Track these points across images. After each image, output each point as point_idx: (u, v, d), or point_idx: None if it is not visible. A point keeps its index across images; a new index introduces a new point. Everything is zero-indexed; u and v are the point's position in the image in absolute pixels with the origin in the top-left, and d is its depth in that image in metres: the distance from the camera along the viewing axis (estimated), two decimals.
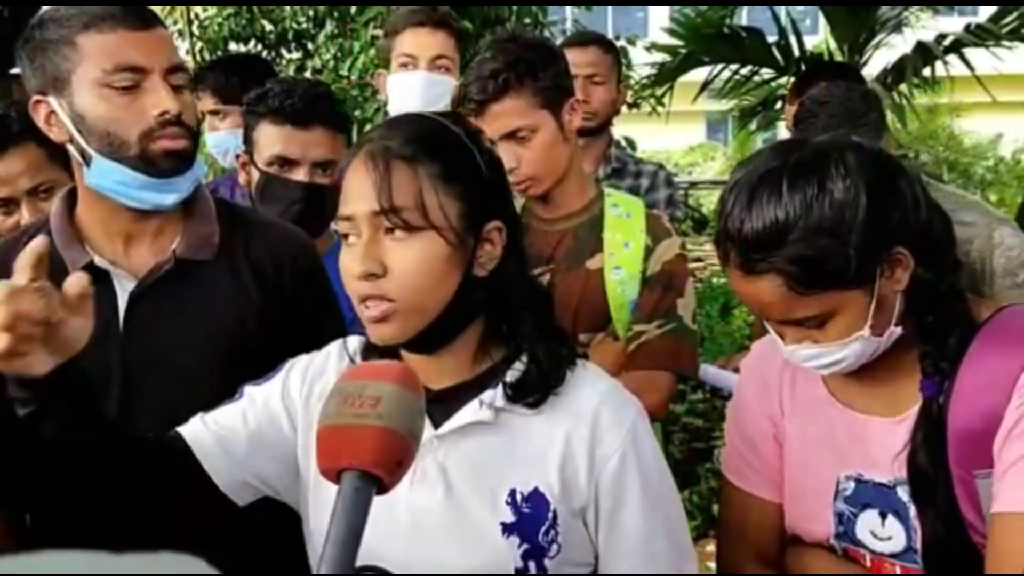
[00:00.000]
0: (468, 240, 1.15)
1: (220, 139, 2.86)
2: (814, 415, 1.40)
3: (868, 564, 1.36)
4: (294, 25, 7.05)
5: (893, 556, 1.33)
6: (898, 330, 1.27)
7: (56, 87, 1.45)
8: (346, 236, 1.16)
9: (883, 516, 1.33)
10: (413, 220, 1.11)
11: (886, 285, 1.23)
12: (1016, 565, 1.17)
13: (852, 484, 1.35)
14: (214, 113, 2.86)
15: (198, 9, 7.32)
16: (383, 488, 0.90)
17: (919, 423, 1.27)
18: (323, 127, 2.00)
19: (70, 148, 1.50)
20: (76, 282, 1.13)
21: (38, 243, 1.10)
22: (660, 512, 1.21)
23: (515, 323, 1.20)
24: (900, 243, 1.22)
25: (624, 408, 1.21)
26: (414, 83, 2.57)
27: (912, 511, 1.29)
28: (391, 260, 1.12)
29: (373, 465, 0.89)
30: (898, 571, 1.33)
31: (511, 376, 1.18)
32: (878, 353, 1.28)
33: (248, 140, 2.06)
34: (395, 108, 2.53)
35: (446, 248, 1.13)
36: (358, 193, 1.13)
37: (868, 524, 1.34)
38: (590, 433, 1.18)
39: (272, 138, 2.00)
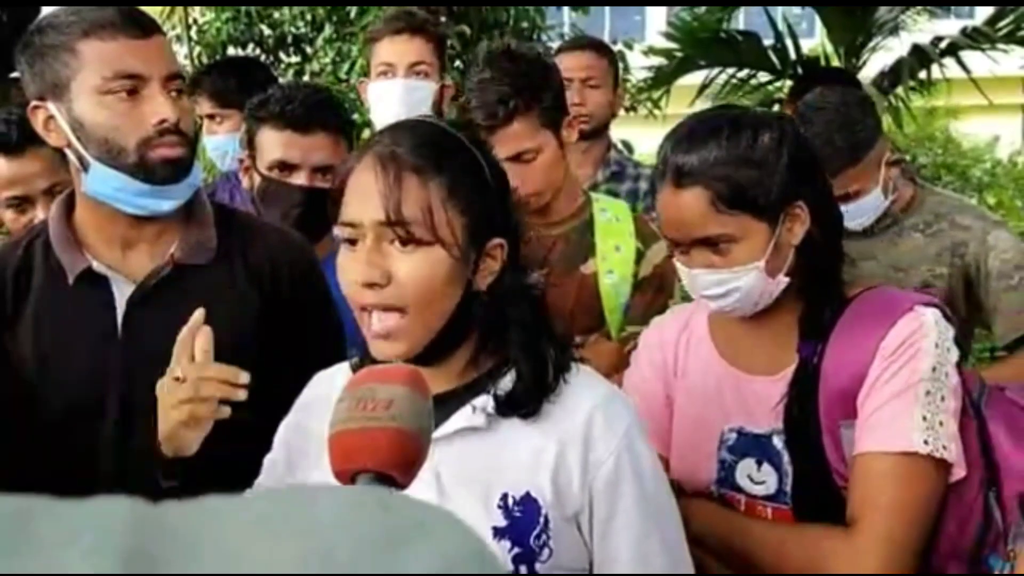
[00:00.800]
0: (471, 255, 1.15)
1: (219, 142, 2.87)
2: (704, 374, 1.56)
3: (743, 508, 1.52)
4: (292, 29, 7.06)
5: (765, 499, 1.50)
6: (786, 280, 1.45)
7: (55, 93, 1.46)
8: (350, 241, 1.14)
9: (759, 463, 1.50)
10: (420, 234, 1.11)
11: (785, 234, 1.43)
12: (876, 495, 1.36)
13: (734, 435, 1.52)
14: (211, 117, 2.87)
15: (196, 13, 7.32)
16: (399, 488, 0.89)
17: (795, 379, 1.45)
18: (324, 132, 2.01)
19: (68, 153, 1.51)
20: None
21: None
22: (655, 518, 1.20)
23: (503, 338, 1.20)
24: (804, 203, 1.43)
25: (619, 413, 1.20)
26: (393, 91, 2.57)
27: (785, 458, 1.47)
28: (396, 270, 1.11)
29: (390, 466, 0.88)
30: (769, 511, 1.50)
31: (500, 389, 1.18)
32: (764, 301, 1.45)
33: (250, 144, 2.08)
34: (377, 116, 2.53)
35: (449, 262, 1.12)
36: (365, 200, 1.12)
37: (746, 470, 1.51)
38: (583, 438, 1.17)
39: (273, 143, 2.01)
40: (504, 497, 1.16)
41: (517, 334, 1.19)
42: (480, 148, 1.20)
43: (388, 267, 1.11)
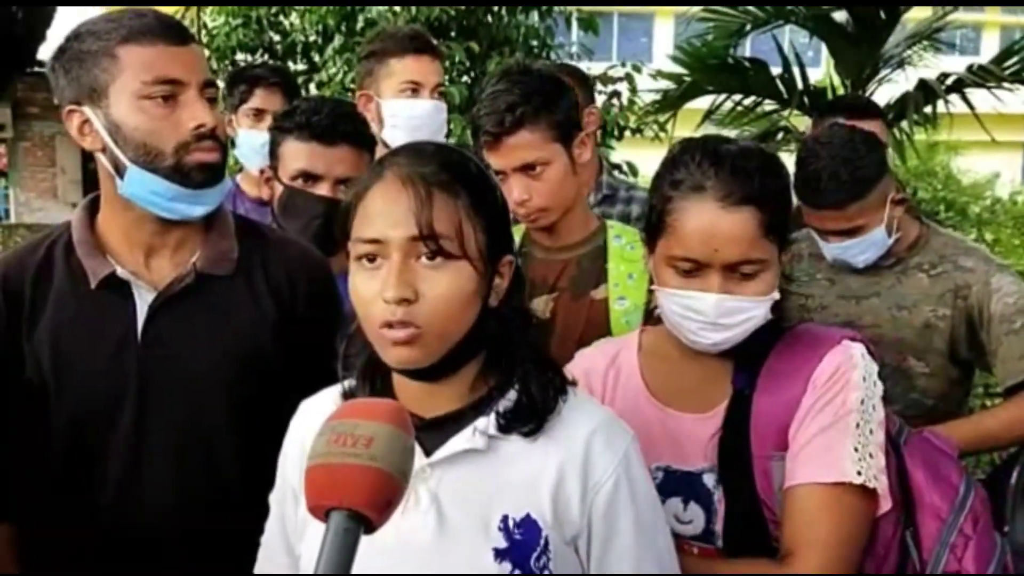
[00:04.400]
0: (489, 271, 1.17)
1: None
2: (632, 412, 1.49)
3: None
4: (302, 38, 7.09)
5: (693, 539, 1.49)
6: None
7: (92, 98, 1.48)
8: (370, 258, 1.14)
9: (685, 502, 1.49)
10: (451, 248, 1.12)
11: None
12: (811, 528, 1.36)
13: (661, 474, 1.50)
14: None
15: (207, 19, 7.35)
16: (371, 528, 0.89)
17: (729, 412, 1.46)
18: (348, 144, 2.03)
19: (101, 158, 1.53)
20: None
21: None
22: (651, 538, 1.22)
23: (513, 354, 1.22)
24: None
25: (617, 436, 1.22)
26: (422, 111, 2.56)
27: (716, 496, 1.46)
28: (423, 286, 1.12)
29: (364, 505, 0.88)
30: (695, 551, 1.49)
31: (503, 406, 1.19)
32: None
33: (273, 155, 2.10)
34: (394, 134, 2.49)
35: (475, 278, 1.14)
36: (392, 217, 1.12)
37: (672, 510, 1.48)
38: (583, 460, 1.18)
39: (297, 153, 2.03)
40: (505, 519, 1.16)
41: (524, 351, 1.22)
42: (487, 167, 1.24)
43: (416, 284, 1.12)
